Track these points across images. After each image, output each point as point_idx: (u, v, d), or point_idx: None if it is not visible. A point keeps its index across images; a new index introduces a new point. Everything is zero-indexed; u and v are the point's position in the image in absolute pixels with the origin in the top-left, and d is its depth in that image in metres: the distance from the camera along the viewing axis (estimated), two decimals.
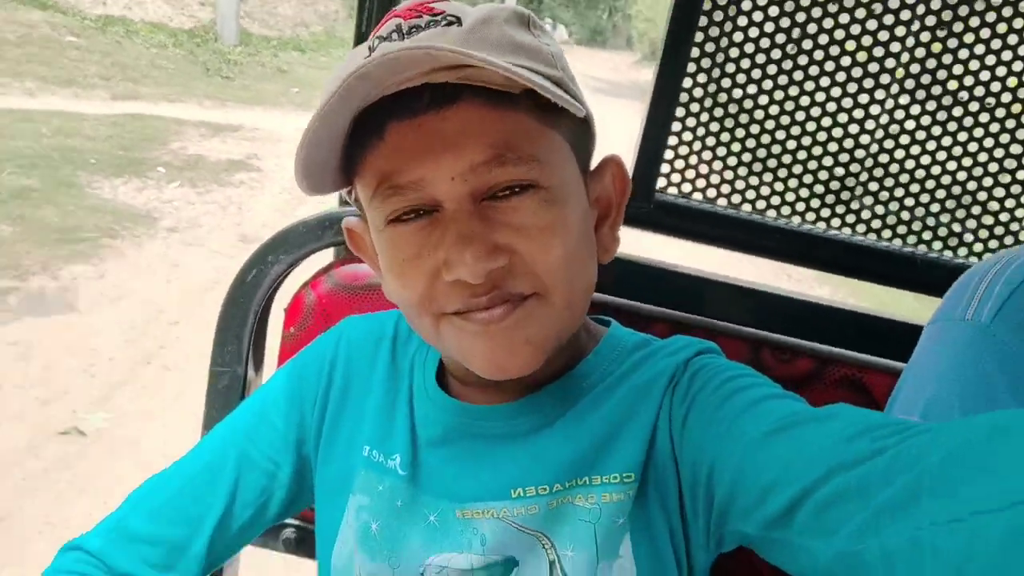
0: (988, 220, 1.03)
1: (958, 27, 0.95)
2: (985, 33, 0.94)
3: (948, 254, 1.06)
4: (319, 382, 0.80)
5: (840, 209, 1.05)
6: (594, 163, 0.72)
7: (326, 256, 1.07)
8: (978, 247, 1.05)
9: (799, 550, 0.53)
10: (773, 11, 0.96)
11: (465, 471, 0.70)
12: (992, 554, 0.38)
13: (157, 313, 3.63)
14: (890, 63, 0.97)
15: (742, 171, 1.06)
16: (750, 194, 1.06)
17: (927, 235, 1.05)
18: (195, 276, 4.06)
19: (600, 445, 0.67)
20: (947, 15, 0.94)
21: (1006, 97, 0.97)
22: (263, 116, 8.26)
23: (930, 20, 0.95)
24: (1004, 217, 1.03)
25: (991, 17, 0.94)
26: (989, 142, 0.99)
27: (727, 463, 0.59)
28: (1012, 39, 0.94)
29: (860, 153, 1.02)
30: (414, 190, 0.61)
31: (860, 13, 0.95)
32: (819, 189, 1.05)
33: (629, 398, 0.68)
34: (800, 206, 1.06)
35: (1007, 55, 0.95)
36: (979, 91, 0.97)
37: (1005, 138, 0.99)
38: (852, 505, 0.48)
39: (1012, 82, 0.96)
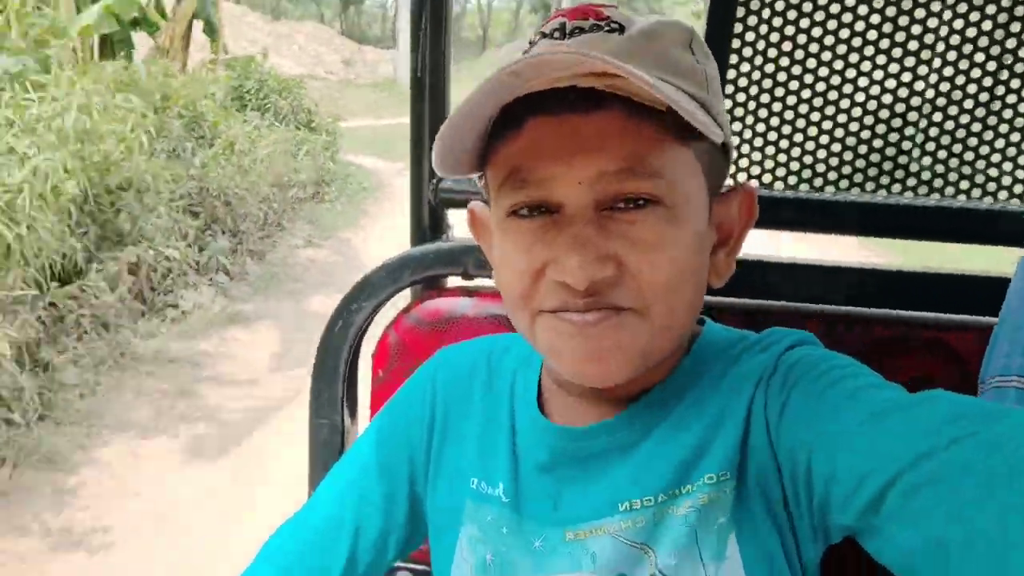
0: None
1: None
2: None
3: (1015, 202, 1.05)
4: (423, 416, 0.82)
5: (899, 174, 1.05)
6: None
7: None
8: None
9: (888, 539, 0.53)
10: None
11: (572, 494, 0.71)
12: None
13: None
14: (932, 22, 0.97)
15: (795, 152, 1.07)
16: (806, 173, 1.07)
17: (991, 186, 1.05)
18: None
19: (700, 448, 0.67)
20: None
21: None
22: None
23: None
24: None
25: None
26: None
27: (825, 453, 0.58)
28: None
29: (912, 116, 1.02)
30: (540, 187, 0.62)
31: None
32: (875, 158, 1.05)
33: (724, 397, 0.68)
34: (858, 177, 1.06)
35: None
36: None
37: None
38: (939, 490, 0.48)
39: None
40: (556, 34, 0.63)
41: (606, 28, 0.61)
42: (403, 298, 1.12)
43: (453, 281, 1.11)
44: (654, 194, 0.61)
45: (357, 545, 0.80)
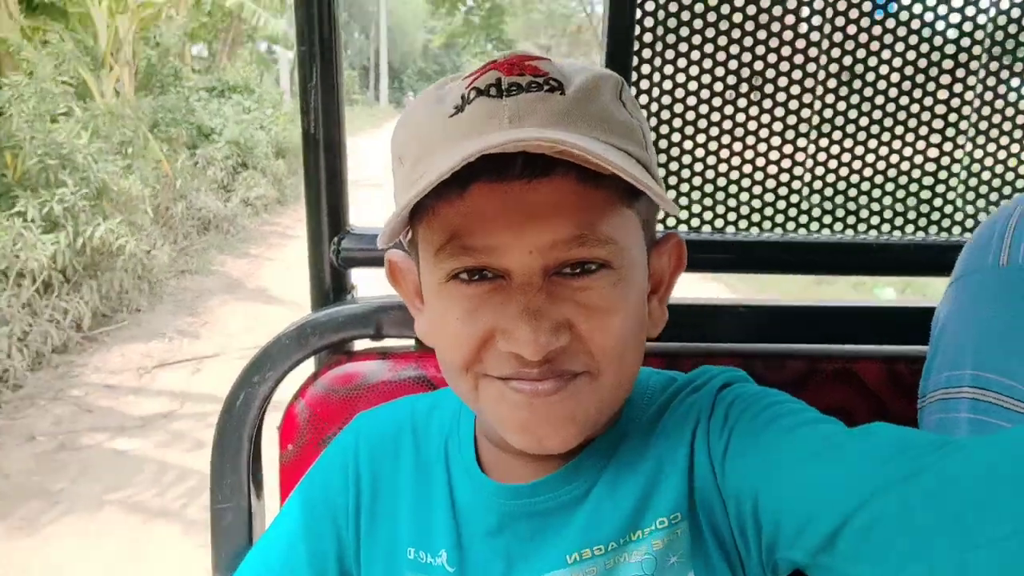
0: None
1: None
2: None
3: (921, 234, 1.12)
4: (347, 489, 0.76)
5: (792, 212, 1.10)
6: None
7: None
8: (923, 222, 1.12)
9: None
10: (695, 55, 1.01)
11: (523, 552, 0.68)
12: None
13: None
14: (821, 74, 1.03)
15: (695, 195, 1.10)
16: (707, 215, 1.10)
17: (875, 220, 1.11)
18: None
19: (646, 493, 0.66)
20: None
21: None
22: None
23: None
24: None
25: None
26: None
27: (770, 492, 0.59)
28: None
29: (800, 156, 1.07)
30: (486, 254, 0.60)
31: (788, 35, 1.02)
32: (769, 197, 1.10)
33: (664, 440, 0.68)
34: (756, 217, 1.10)
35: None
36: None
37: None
38: (895, 529, 0.48)
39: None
40: (492, 90, 0.59)
41: (546, 88, 0.59)
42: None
43: (360, 345, 1.06)
44: (605, 259, 0.60)
45: None
